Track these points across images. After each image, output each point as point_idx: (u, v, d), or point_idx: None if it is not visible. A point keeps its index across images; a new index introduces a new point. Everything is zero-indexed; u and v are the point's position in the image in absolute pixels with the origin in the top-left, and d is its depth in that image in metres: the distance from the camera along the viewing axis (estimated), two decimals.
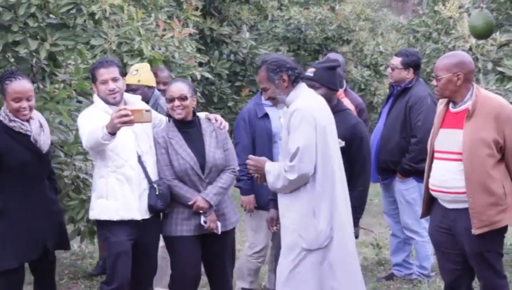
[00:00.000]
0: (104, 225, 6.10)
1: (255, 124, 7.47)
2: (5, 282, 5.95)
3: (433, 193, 5.93)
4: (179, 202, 6.17)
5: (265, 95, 5.85)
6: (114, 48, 8.33)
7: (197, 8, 11.10)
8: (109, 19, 8.43)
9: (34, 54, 7.96)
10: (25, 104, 5.92)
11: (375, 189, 8.76)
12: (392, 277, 8.40)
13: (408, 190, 7.97)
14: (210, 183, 6.27)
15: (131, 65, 8.21)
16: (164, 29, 9.20)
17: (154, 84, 7.87)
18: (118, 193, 6.02)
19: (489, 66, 10.11)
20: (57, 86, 7.74)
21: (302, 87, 5.80)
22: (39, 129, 6.01)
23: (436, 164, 5.91)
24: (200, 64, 9.88)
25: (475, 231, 5.63)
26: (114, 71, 6.11)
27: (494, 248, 5.79)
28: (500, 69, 8.96)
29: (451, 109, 5.86)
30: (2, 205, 5.91)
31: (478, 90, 5.78)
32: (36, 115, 6.14)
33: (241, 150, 7.07)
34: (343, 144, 6.15)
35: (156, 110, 7.42)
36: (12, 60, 8.11)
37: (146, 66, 7.86)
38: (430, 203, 6.01)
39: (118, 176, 6.02)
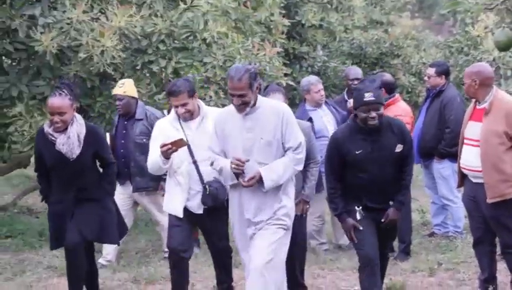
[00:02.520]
0: None
1: None
2: (66, 254, 5.64)
3: (463, 171, 5.96)
4: None
5: (237, 100, 4.97)
6: (221, 64, 8.46)
7: (282, 32, 11.14)
8: (217, 43, 8.56)
9: (163, 69, 8.20)
10: (56, 118, 5.48)
11: (418, 169, 8.76)
12: (433, 234, 8.45)
13: (444, 168, 7.97)
14: None
15: None
16: (258, 49, 9.28)
17: (136, 95, 7.56)
18: (172, 192, 5.78)
19: (509, 72, 10.02)
20: None
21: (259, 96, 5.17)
22: (65, 140, 5.48)
23: (465, 148, 5.93)
24: (285, 74, 9.97)
25: (488, 200, 5.66)
26: (182, 98, 5.57)
27: (507, 213, 5.72)
28: None
29: (477, 106, 5.86)
30: (47, 195, 5.74)
31: (496, 92, 5.78)
32: (75, 128, 5.55)
33: None
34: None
35: (146, 116, 7.36)
36: (147, 74, 8.35)
37: (130, 81, 7.60)
38: (463, 178, 6.02)
39: (174, 179, 5.75)
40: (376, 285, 5.30)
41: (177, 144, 5.48)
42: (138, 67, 8.37)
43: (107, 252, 7.48)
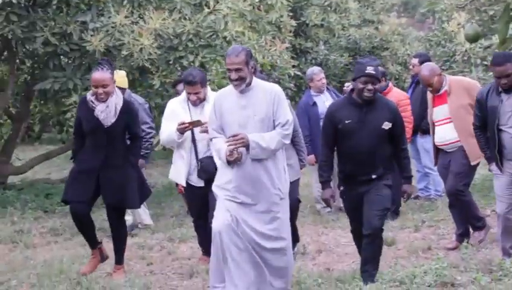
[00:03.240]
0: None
1: (308, 109, 7.44)
2: (71, 211, 5.32)
3: (439, 146, 5.95)
4: None
5: (235, 75, 4.45)
6: None
7: (290, 31, 11.07)
8: (236, 40, 8.49)
9: (191, 63, 8.13)
10: (100, 90, 5.19)
11: None
12: (418, 197, 8.27)
13: (426, 142, 7.76)
14: None
15: None
16: (270, 45, 9.23)
17: (125, 86, 6.86)
18: (177, 164, 5.62)
19: (478, 61, 9.84)
20: None
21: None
22: (104, 108, 5.19)
23: (437, 129, 5.93)
24: (293, 66, 9.87)
25: (473, 163, 5.69)
26: (197, 88, 5.41)
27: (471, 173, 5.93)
28: (485, 62, 8.73)
29: (436, 94, 5.92)
30: (76, 154, 5.42)
31: (449, 78, 5.95)
32: (114, 99, 5.25)
33: (302, 126, 6.55)
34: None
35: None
36: (179, 68, 8.29)
37: (122, 73, 7.02)
38: (437, 154, 6.02)
39: (179, 152, 5.57)
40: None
41: (194, 124, 5.35)
42: (171, 62, 8.34)
43: (143, 218, 7.39)
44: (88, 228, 5.40)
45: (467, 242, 5.84)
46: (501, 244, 5.37)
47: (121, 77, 6.99)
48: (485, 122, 5.21)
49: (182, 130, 5.37)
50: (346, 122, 4.80)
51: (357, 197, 4.91)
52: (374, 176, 4.86)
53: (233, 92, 4.57)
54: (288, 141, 4.63)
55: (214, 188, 4.64)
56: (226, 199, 4.51)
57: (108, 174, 5.25)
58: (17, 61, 9.31)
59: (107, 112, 5.21)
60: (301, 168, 5.98)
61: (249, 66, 4.47)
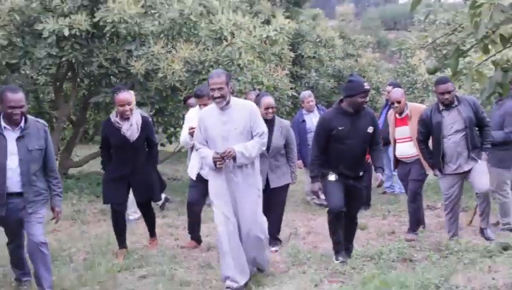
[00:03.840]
0: None
1: (299, 124, 7.37)
2: (112, 211, 5.18)
3: (401, 159, 5.85)
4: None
5: (217, 93, 4.21)
6: (249, 80, 8.40)
7: (289, 61, 11.07)
8: (247, 67, 8.50)
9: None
10: (126, 107, 5.02)
11: None
12: (385, 193, 8.32)
13: None
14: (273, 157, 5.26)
15: (258, 89, 8.27)
16: (273, 72, 9.23)
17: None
18: (192, 161, 5.44)
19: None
20: None
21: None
22: (129, 126, 5.02)
23: (399, 145, 5.84)
24: (291, 88, 9.87)
25: (428, 172, 5.62)
26: (203, 100, 5.21)
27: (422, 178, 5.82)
28: None
29: (398, 116, 5.84)
30: (106, 164, 5.20)
31: (409, 104, 5.86)
32: (135, 117, 5.06)
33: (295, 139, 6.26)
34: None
35: None
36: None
37: None
38: (397, 164, 5.94)
39: (194, 151, 5.24)
40: (339, 226, 4.85)
41: None
42: (196, 83, 8.30)
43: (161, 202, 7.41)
44: (123, 225, 5.28)
45: (423, 228, 5.87)
46: (447, 230, 5.48)
47: None
48: (427, 137, 5.34)
49: (192, 133, 5.21)
50: (340, 128, 4.61)
51: (343, 185, 4.70)
52: (361, 173, 4.79)
53: (215, 110, 4.33)
54: (264, 147, 4.40)
55: (211, 196, 4.43)
56: (221, 203, 4.32)
57: (137, 179, 5.15)
58: (78, 80, 9.34)
59: (132, 130, 5.04)
60: (294, 181, 5.53)
61: (229, 86, 4.26)
